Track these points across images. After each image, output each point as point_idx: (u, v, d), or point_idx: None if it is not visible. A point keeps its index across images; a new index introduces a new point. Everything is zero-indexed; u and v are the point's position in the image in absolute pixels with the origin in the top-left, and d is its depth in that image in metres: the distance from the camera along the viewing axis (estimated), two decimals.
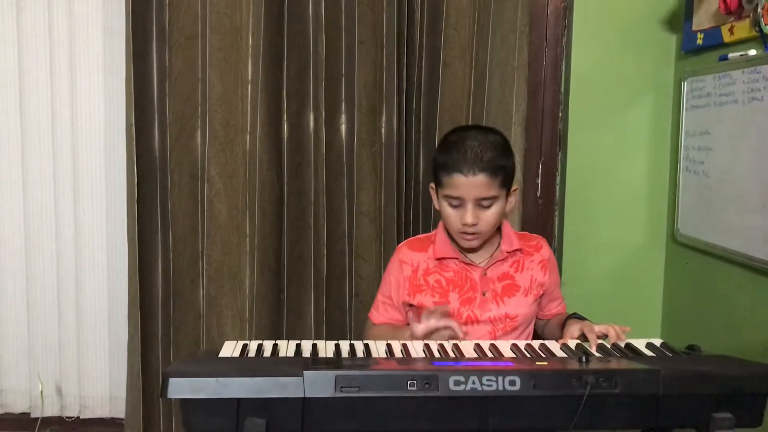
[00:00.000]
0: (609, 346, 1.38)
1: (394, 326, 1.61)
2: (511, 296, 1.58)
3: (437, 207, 1.57)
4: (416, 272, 1.59)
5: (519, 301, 1.58)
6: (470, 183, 1.45)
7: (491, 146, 1.48)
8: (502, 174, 1.48)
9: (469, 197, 1.46)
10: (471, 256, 1.58)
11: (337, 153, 2.03)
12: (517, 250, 1.59)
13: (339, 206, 2.04)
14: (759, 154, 1.60)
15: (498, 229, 1.59)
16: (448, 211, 1.51)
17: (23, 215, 2.19)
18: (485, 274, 1.57)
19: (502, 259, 1.58)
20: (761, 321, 1.62)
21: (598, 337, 1.40)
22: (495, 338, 1.55)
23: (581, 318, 1.53)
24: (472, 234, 1.50)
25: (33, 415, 2.23)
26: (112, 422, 2.25)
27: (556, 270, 1.68)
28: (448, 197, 1.49)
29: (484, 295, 1.56)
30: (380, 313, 1.64)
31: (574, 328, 1.45)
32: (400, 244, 1.67)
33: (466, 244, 1.54)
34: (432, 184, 1.58)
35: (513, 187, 1.54)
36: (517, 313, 1.57)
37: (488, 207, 1.48)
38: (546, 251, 1.64)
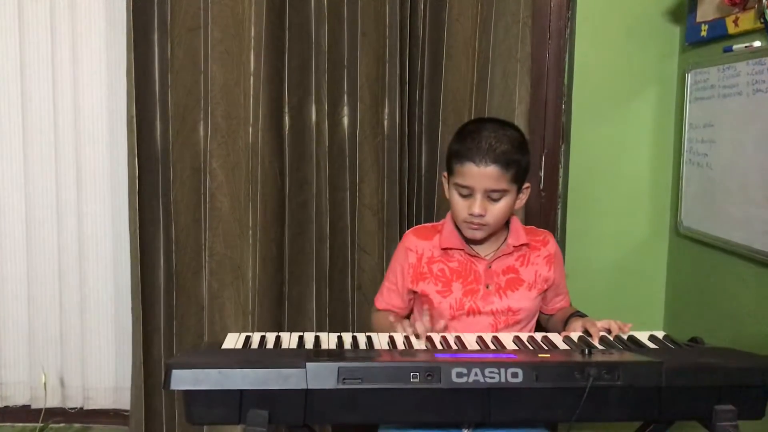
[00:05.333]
0: (612, 338, 1.38)
1: (393, 314, 1.60)
2: (515, 290, 1.58)
3: (447, 195, 1.57)
4: (420, 260, 1.59)
5: (522, 295, 1.58)
6: (481, 173, 1.45)
7: (507, 139, 1.47)
8: (515, 168, 1.47)
9: (478, 187, 1.46)
10: (477, 248, 1.58)
11: (339, 145, 2.03)
12: (523, 244, 1.59)
13: (341, 199, 2.04)
14: (763, 147, 1.59)
15: (506, 223, 1.59)
16: (457, 200, 1.51)
17: (25, 207, 2.19)
18: (490, 267, 1.57)
19: (508, 253, 1.58)
20: (764, 313, 1.62)
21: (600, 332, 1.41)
22: (496, 331, 1.55)
23: (583, 316, 1.53)
24: (478, 224, 1.49)
25: (33, 407, 2.24)
26: (115, 413, 2.26)
27: (561, 265, 1.67)
28: (458, 186, 1.49)
29: (487, 287, 1.56)
30: (383, 298, 1.66)
31: (576, 325, 1.46)
32: (407, 232, 1.68)
33: (470, 234, 1.53)
34: (445, 173, 1.57)
35: (525, 185, 1.53)
36: (519, 306, 1.57)
37: (497, 200, 1.48)
38: (552, 246, 1.64)
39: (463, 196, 1.49)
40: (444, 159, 1.67)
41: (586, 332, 1.42)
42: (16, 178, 2.19)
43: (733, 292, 1.74)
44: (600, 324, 1.42)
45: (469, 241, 1.58)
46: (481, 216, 1.47)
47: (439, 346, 1.34)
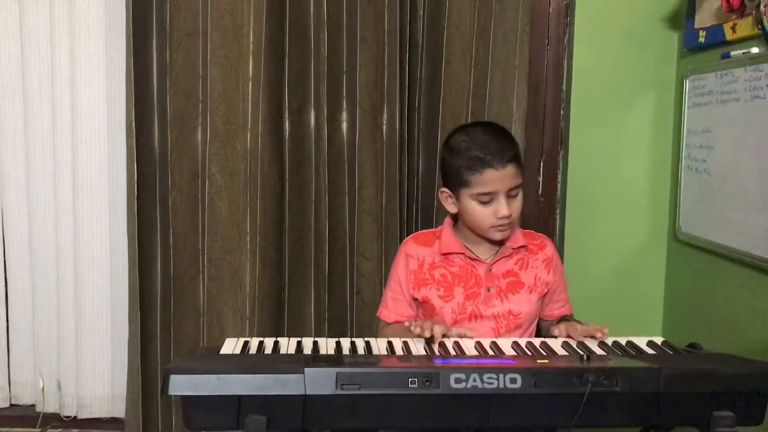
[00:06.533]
0: (610, 344, 1.38)
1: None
2: (516, 293, 1.58)
3: (452, 210, 1.56)
4: (422, 266, 1.59)
5: (523, 298, 1.58)
6: (502, 175, 1.47)
7: (505, 136, 1.53)
8: (520, 160, 1.52)
9: (502, 189, 1.48)
10: (477, 251, 1.58)
11: (338, 151, 2.03)
12: (522, 247, 1.60)
13: (340, 204, 2.04)
14: (761, 153, 1.60)
15: None
16: (478, 210, 1.50)
17: (26, 212, 2.19)
18: (490, 270, 1.57)
19: (508, 256, 1.59)
20: (762, 319, 1.62)
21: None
22: (498, 335, 1.55)
23: (570, 320, 1.54)
24: (506, 225, 1.51)
25: (38, 409, 2.24)
26: (112, 420, 2.25)
27: (560, 270, 1.67)
28: (478, 195, 1.49)
29: (488, 290, 1.56)
30: (390, 310, 1.63)
31: (560, 329, 1.46)
32: (405, 239, 1.68)
33: (500, 236, 1.54)
34: (444, 190, 1.56)
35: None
36: (520, 310, 1.57)
37: (515, 196, 1.51)
38: (550, 250, 1.64)
39: (484, 203, 1.50)
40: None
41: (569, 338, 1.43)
42: (17, 182, 2.18)
43: (732, 297, 1.74)
44: (581, 328, 1.42)
45: (471, 245, 1.58)
46: (509, 216, 1.49)
47: (438, 352, 1.34)
